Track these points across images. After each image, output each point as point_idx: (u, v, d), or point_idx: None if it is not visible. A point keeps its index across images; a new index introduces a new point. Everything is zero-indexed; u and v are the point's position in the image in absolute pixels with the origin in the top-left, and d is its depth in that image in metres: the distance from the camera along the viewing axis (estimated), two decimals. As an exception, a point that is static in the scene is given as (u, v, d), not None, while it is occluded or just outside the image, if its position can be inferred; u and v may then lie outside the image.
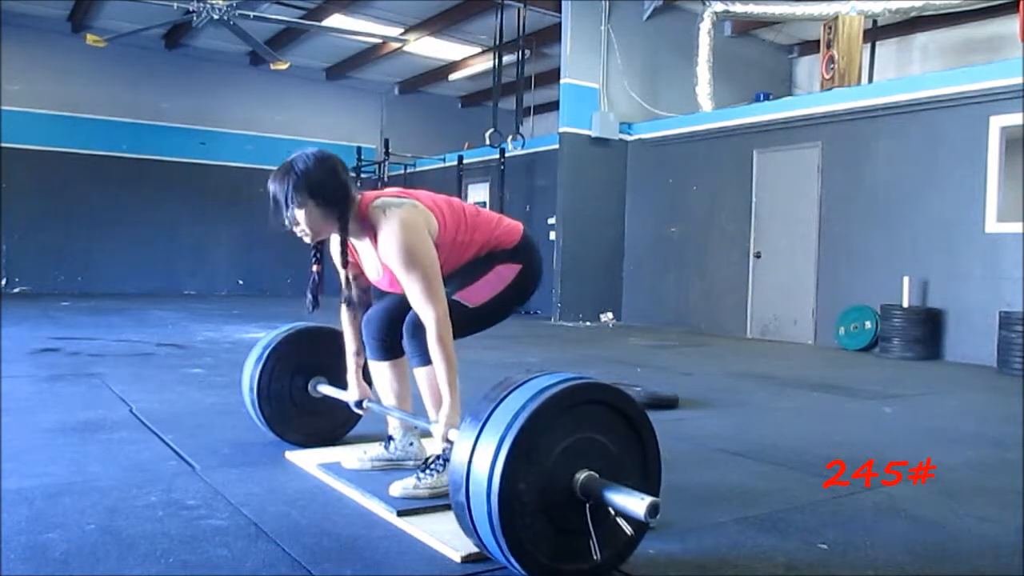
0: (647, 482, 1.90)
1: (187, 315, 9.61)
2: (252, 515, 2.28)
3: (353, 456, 2.74)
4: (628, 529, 1.83)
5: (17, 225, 12.38)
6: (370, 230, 2.40)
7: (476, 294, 2.52)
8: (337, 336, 2.88)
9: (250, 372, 3.05)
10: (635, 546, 1.93)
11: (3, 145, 12.23)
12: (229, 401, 4.14)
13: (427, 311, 2.30)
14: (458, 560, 1.98)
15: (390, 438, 2.75)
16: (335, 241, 2.52)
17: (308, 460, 2.86)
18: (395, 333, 2.57)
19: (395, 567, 1.96)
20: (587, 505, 1.79)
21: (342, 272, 2.62)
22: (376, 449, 2.74)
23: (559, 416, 1.79)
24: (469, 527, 1.81)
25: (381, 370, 2.71)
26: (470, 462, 1.77)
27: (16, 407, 3.76)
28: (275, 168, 2.38)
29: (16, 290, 12.47)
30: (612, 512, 1.79)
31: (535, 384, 1.84)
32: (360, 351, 2.76)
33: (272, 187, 2.35)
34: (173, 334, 7.39)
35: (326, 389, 3.00)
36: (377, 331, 2.67)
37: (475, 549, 2.01)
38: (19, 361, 5.33)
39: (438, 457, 2.44)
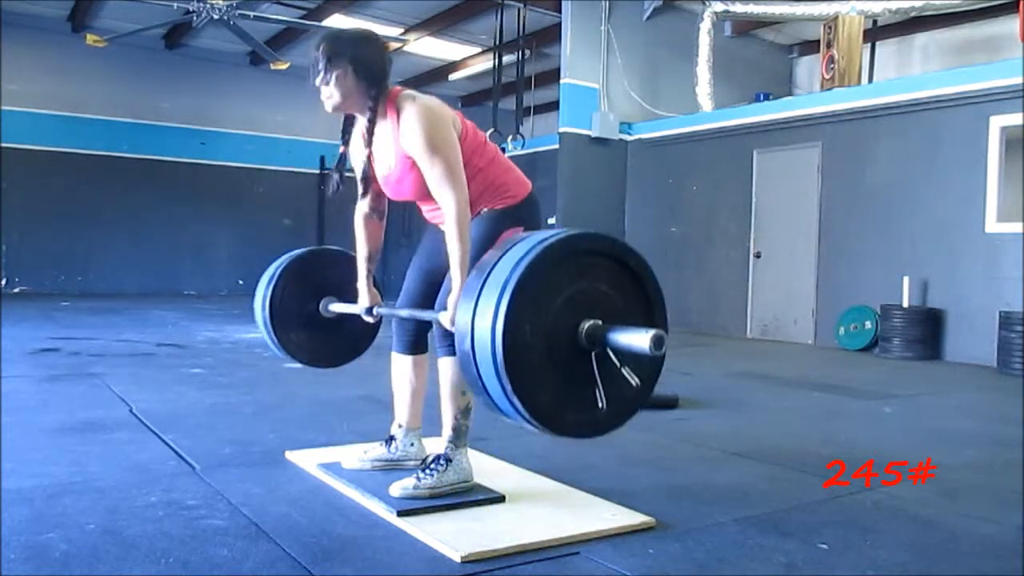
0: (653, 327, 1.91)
1: (187, 315, 9.61)
2: (252, 515, 2.28)
3: (353, 456, 2.74)
4: (634, 380, 1.84)
5: (17, 225, 12.37)
6: (394, 116, 2.37)
7: None
8: (346, 256, 2.83)
9: (262, 296, 2.94)
10: (639, 403, 1.93)
11: (4, 145, 12.22)
12: (229, 401, 4.14)
13: (447, 195, 2.28)
14: (458, 560, 1.98)
15: (391, 437, 2.75)
16: (357, 131, 2.50)
17: (308, 460, 2.86)
18: (422, 329, 2.58)
19: (395, 567, 1.96)
20: (593, 354, 1.80)
21: (359, 170, 2.60)
22: (376, 449, 2.74)
23: (559, 265, 1.80)
24: (474, 376, 1.81)
25: (403, 364, 2.69)
26: (475, 312, 1.77)
27: (16, 407, 3.76)
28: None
29: (16, 290, 12.47)
30: (617, 364, 1.80)
31: (535, 237, 1.84)
32: (372, 256, 2.72)
33: (318, 44, 2.34)
34: (173, 334, 7.39)
35: (337, 306, 2.93)
36: (405, 324, 2.65)
37: (475, 549, 2.02)
38: (19, 361, 5.33)
39: (438, 457, 2.44)
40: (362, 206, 2.67)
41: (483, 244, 2.46)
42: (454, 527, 2.18)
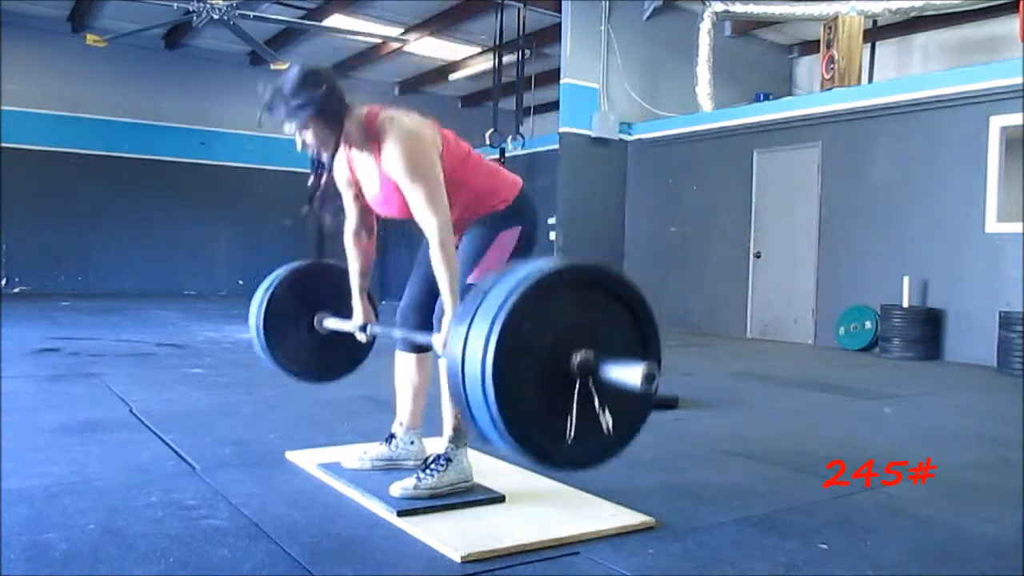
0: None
1: (187, 315, 9.61)
2: (252, 515, 2.28)
3: (353, 456, 2.74)
4: (607, 423, 1.81)
5: (17, 225, 12.36)
6: (375, 141, 2.37)
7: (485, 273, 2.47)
8: (339, 271, 2.83)
9: (256, 312, 2.93)
10: (630, 437, 1.91)
11: (4, 145, 12.22)
12: (229, 401, 4.14)
13: (429, 219, 2.28)
14: (458, 560, 1.98)
15: (391, 435, 2.75)
16: (341, 153, 2.49)
17: (308, 460, 2.86)
18: (426, 328, 2.57)
19: (395, 567, 1.96)
20: (578, 383, 1.78)
21: (346, 192, 2.60)
22: (377, 448, 2.74)
23: (553, 296, 1.78)
24: (465, 410, 1.79)
25: (406, 362, 2.69)
26: (465, 346, 1.75)
27: (16, 407, 3.76)
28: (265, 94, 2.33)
29: (16, 290, 12.47)
30: (597, 403, 1.78)
31: (527, 268, 1.83)
32: (364, 272, 2.72)
33: (270, 105, 2.33)
34: (173, 334, 7.39)
35: (331, 322, 2.92)
36: (408, 324, 2.66)
37: (475, 549, 2.02)
38: (19, 361, 5.33)
39: (439, 457, 2.44)
40: (350, 224, 2.68)
41: (481, 248, 2.49)
42: (454, 527, 2.18)
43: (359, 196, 2.62)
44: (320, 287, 2.97)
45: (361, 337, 2.71)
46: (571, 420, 1.78)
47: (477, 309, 1.76)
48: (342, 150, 2.47)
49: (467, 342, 1.74)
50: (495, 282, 1.81)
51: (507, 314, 1.70)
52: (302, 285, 2.96)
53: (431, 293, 2.52)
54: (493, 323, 1.70)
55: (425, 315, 2.59)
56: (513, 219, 2.53)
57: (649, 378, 1.68)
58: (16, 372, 4.85)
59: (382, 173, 2.40)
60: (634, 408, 1.88)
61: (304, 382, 3.05)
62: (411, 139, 2.32)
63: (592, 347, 1.80)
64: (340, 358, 3.03)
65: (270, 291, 2.90)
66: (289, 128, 2.34)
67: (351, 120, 2.37)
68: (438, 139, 2.41)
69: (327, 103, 2.32)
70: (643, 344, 1.90)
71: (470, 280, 2.43)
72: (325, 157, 2.43)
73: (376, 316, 2.80)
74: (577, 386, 1.78)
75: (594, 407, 1.79)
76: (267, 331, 2.87)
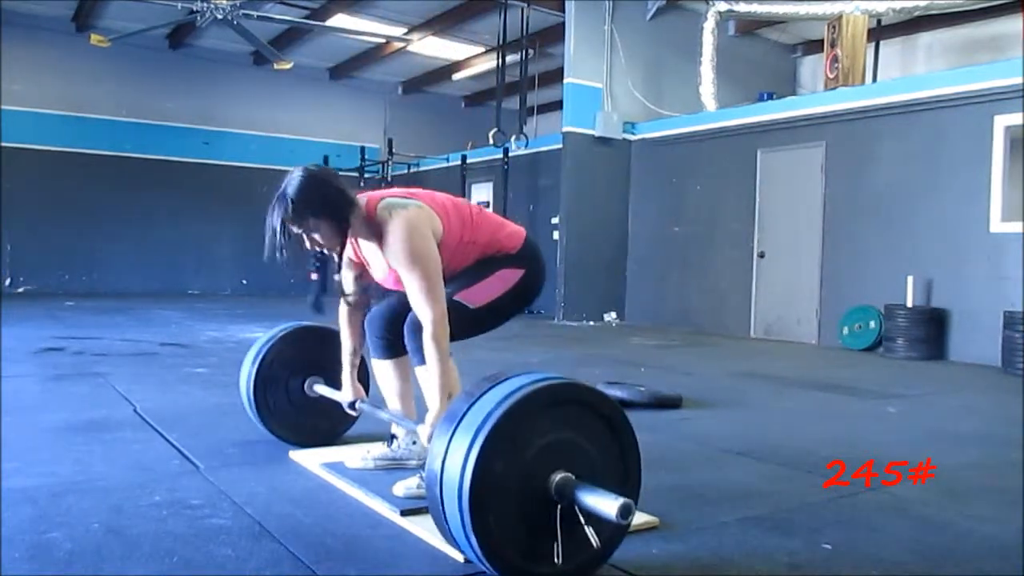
0: (626, 487, 1.88)
1: (191, 315, 9.63)
2: (256, 514, 2.28)
3: (356, 455, 2.75)
4: (595, 542, 1.79)
5: (22, 225, 12.40)
6: (377, 231, 2.41)
7: (478, 295, 2.53)
8: (334, 336, 2.88)
9: (247, 372, 3.06)
10: (603, 560, 1.89)
11: (8, 145, 12.25)
12: (233, 401, 4.13)
13: (425, 311, 2.32)
14: (461, 560, 1.98)
15: (393, 436, 2.75)
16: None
17: (312, 460, 2.86)
18: (398, 331, 2.58)
19: (398, 566, 1.97)
20: (559, 507, 1.77)
21: (346, 274, 2.64)
22: (379, 448, 2.75)
23: (535, 414, 1.78)
24: (442, 523, 1.80)
25: (384, 368, 2.72)
26: (445, 457, 1.76)
27: (21, 406, 3.77)
28: (275, 193, 2.39)
29: (21, 289, 12.50)
30: (583, 520, 1.77)
31: (512, 383, 1.83)
32: (356, 350, 2.77)
33: (273, 221, 2.34)
34: (177, 334, 7.40)
35: (322, 389, 3.00)
36: (380, 329, 2.70)
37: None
38: (24, 360, 5.34)
39: (441, 457, 2.44)
40: (346, 304, 2.71)
41: (482, 274, 2.55)
42: (457, 527, 2.18)
43: (360, 276, 2.68)
44: (312, 350, 3.08)
45: (351, 413, 2.81)
46: (557, 546, 1.77)
47: (457, 426, 1.77)
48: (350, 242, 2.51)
49: (444, 466, 1.75)
50: (479, 396, 1.81)
51: (485, 438, 1.70)
52: (295, 346, 3.08)
53: (404, 306, 2.54)
54: (470, 448, 1.71)
55: (395, 317, 2.62)
56: (518, 261, 2.61)
57: (625, 512, 1.67)
58: (20, 371, 4.86)
59: (388, 264, 2.46)
60: (606, 536, 1.86)
61: (287, 443, 3.11)
62: (409, 229, 2.35)
63: (570, 466, 1.80)
64: (325, 424, 3.15)
65: (262, 354, 3.03)
66: (304, 240, 2.38)
67: (355, 215, 2.40)
68: (436, 223, 2.45)
69: (334, 204, 2.37)
70: (624, 467, 1.91)
71: (457, 297, 2.48)
72: (335, 255, 2.48)
73: (367, 392, 2.86)
74: (558, 510, 1.77)
75: (573, 528, 1.78)
76: (256, 391, 3.01)
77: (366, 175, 14.08)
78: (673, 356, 7.01)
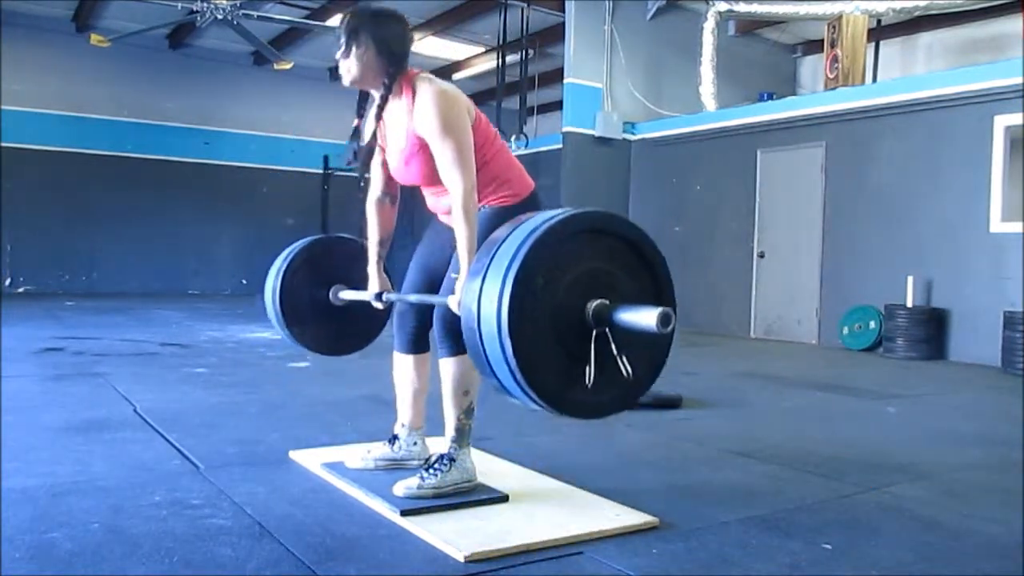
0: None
1: (191, 315, 9.63)
2: (256, 514, 2.28)
3: (357, 455, 2.75)
4: (627, 370, 1.84)
5: (22, 225, 12.39)
6: (409, 96, 2.40)
7: None
8: (356, 244, 2.83)
9: (272, 286, 2.92)
10: (642, 388, 1.95)
11: (9, 145, 12.25)
12: (234, 400, 4.15)
13: (455, 179, 2.29)
14: (462, 560, 1.98)
15: (394, 437, 2.75)
16: (372, 110, 2.52)
17: (312, 460, 2.86)
18: (424, 328, 2.59)
19: (399, 567, 1.96)
20: (598, 334, 1.80)
21: (375, 170, 2.62)
22: (380, 448, 2.74)
23: (565, 245, 1.80)
24: (481, 358, 1.81)
25: (404, 363, 2.69)
26: (480, 293, 1.77)
27: (21, 406, 3.77)
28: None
29: (21, 289, 12.49)
30: (615, 351, 1.80)
31: (540, 217, 1.85)
32: (384, 242, 2.71)
33: (343, 18, 2.41)
34: (177, 334, 7.40)
35: (347, 294, 2.90)
36: (406, 324, 2.66)
37: (479, 549, 2.02)
38: (24, 360, 5.34)
39: (442, 457, 2.44)
40: (375, 191, 2.68)
41: (481, 240, 2.47)
42: (458, 527, 2.18)
43: (385, 163, 2.63)
44: (336, 260, 2.97)
45: (377, 305, 2.68)
46: (590, 369, 1.80)
47: (489, 263, 1.78)
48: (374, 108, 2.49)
49: (481, 295, 1.76)
50: (506, 235, 1.82)
51: (520, 266, 1.72)
52: (318, 258, 2.95)
53: (430, 287, 2.53)
54: (506, 275, 1.72)
55: (423, 313, 2.60)
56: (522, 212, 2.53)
57: (665, 320, 1.71)
58: (20, 371, 4.86)
59: (411, 131, 2.41)
60: (650, 356, 1.91)
61: (323, 355, 3.05)
62: (447, 98, 2.35)
63: (606, 295, 1.82)
64: (355, 332, 3.03)
65: (287, 263, 2.89)
66: (342, 51, 2.41)
67: (402, 72, 2.42)
68: (472, 109, 2.45)
69: (396, 40, 2.40)
70: (656, 289, 1.93)
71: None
72: (347, 82, 2.46)
73: (392, 285, 2.77)
74: (593, 334, 1.80)
75: (609, 356, 1.81)
76: (283, 304, 2.86)
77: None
78: (673, 356, 6.98)
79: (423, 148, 2.38)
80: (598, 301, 1.81)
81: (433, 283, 2.56)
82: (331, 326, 2.98)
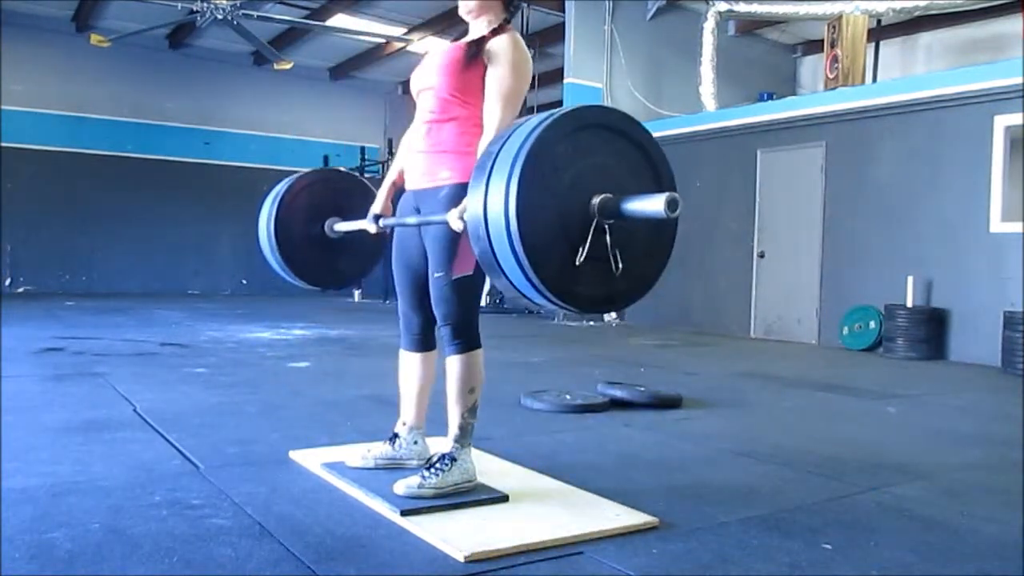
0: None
1: (191, 315, 9.63)
2: (256, 514, 2.28)
3: (357, 455, 2.74)
4: (617, 265, 1.87)
5: (22, 225, 12.40)
6: (488, 34, 2.51)
7: (466, 259, 2.41)
8: (352, 179, 2.84)
9: (267, 216, 2.91)
10: (652, 279, 1.99)
11: (9, 145, 12.26)
12: (233, 400, 4.15)
13: (496, 111, 2.39)
14: (462, 560, 1.98)
15: (395, 435, 2.75)
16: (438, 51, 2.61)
17: (312, 459, 2.86)
18: (429, 326, 2.62)
19: (399, 567, 1.96)
20: (601, 224, 1.84)
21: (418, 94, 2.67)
22: (380, 447, 2.74)
23: (561, 143, 1.83)
24: (491, 259, 1.83)
25: (411, 361, 2.70)
26: (486, 196, 1.79)
27: (21, 406, 3.77)
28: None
29: (21, 290, 12.50)
30: (608, 244, 1.83)
31: (532, 122, 1.87)
32: (404, 173, 2.69)
33: None
34: (177, 334, 7.40)
35: (342, 225, 2.89)
36: (412, 323, 2.68)
37: (479, 549, 2.02)
38: (23, 360, 5.34)
39: (443, 457, 2.44)
40: (412, 132, 2.67)
41: (454, 244, 2.42)
42: (458, 527, 2.18)
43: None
44: (333, 194, 2.97)
45: (372, 228, 2.70)
46: (582, 250, 1.83)
47: (492, 168, 1.81)
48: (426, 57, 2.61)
49: (487, 197, 1.79)
50: (506, 138, 1.86)
51: (523, 164, 1.75)
52: (316, 190, 2.95)
53: (423, 291, 2.53)
54: (510, 175, 1.75)
55: (427, 312, 2.60)
56: None
57: (672, 204, 1.73)
58: (20, 371, 4.86)
59: (461, 47, 2.51)
60: (655, 249, 1.95)
61: (317, 288, 3.06)
62: (526, 54, 2.50)
63: (609, 188, 1.85)
64: (348, 265, 3.05)
65: (284, 192, 2.89)
66: None
67: (505, 16, 2.58)
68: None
69: None
70: (656, 178, 1.97)
71: (456, 275, 2.41)
72: (465, 12, 2.62)
73: (393, 213, 2.75)
74: (594, 226, 1.83)
75: (614, 247, 1.84)
76: (278, 233, 2.87)
77: (366, 175, 14.08)
78: (673, 356, 7.01)
79: (461, 67, 2.47)
80: (603, 196, 1.85)
81: (418, 277, 2.57)
82: (325, 257, 2.99)
